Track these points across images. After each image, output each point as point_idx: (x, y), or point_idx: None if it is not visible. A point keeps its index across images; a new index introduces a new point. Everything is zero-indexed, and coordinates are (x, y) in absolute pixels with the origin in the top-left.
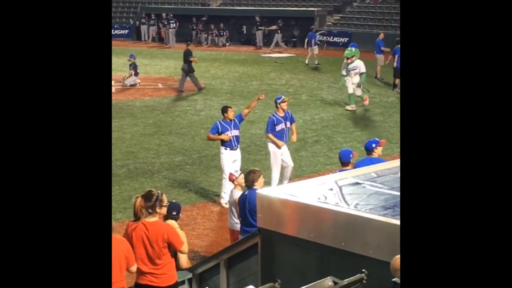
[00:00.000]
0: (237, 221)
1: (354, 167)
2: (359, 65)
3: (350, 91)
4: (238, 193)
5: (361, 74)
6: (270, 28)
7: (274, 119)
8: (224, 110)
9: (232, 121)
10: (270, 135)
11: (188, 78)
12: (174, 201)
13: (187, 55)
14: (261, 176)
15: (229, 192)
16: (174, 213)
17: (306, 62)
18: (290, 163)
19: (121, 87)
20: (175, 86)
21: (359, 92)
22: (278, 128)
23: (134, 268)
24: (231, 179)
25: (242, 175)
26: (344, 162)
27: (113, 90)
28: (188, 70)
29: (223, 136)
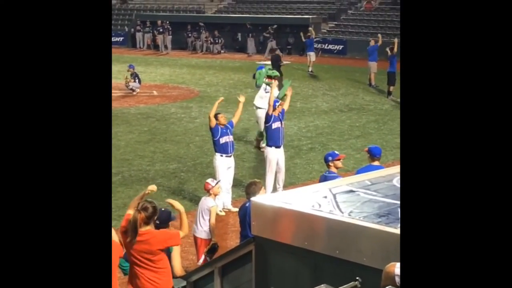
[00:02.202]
0: (205, 228)
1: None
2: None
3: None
4: (210, 201)
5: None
6: (265, 34)
7: (271, 116)
8: (215, 116)
9: (226, 127)
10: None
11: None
12: (163, 209)
13: (276, 60)
14: (262, 187)
15: (224, 199)
16: (158, 222)
17: (309, 69)
18: (283, 169)
19: (120, 91)
20: (169, 94)
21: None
22: (274, 126)
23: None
24: (207, 188)
25: (219, 185)
26: (326, 163)
27: None
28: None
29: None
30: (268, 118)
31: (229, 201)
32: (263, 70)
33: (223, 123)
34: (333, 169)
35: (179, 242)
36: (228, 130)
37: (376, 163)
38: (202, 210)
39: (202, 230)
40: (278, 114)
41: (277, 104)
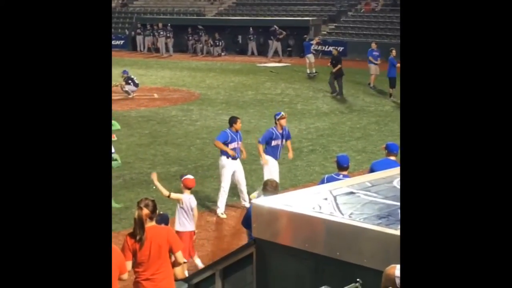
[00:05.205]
0: (191, 223)
1: (372, 168)
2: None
3: None
4: (193, 198)
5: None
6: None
7: (273, 133)
8: (234, 120)
9: (238, 132)
10: (260, 147)
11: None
12: (161, 212)
13: (337, 61)
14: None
15: (243, 196)
16: (163, 224)
17: (308, 71)
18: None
19: (119, 95)
20: (170, 96)
21: None
22: (273, 143)
23: (125, 276)
24: (192, 186)
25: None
26: (343, 167)
27: None
28: (340, 74)
29: (229, 151)
30: (268, 134)
31: (246, 197)
32: None
33: (238, 128)
34: (345, 172)
35: (179, 244)
36: (238, 136)
37: (392, 158)
38: (188, 208)
39: (190, 225)
40: (282, 129)
41: (277, 117)
